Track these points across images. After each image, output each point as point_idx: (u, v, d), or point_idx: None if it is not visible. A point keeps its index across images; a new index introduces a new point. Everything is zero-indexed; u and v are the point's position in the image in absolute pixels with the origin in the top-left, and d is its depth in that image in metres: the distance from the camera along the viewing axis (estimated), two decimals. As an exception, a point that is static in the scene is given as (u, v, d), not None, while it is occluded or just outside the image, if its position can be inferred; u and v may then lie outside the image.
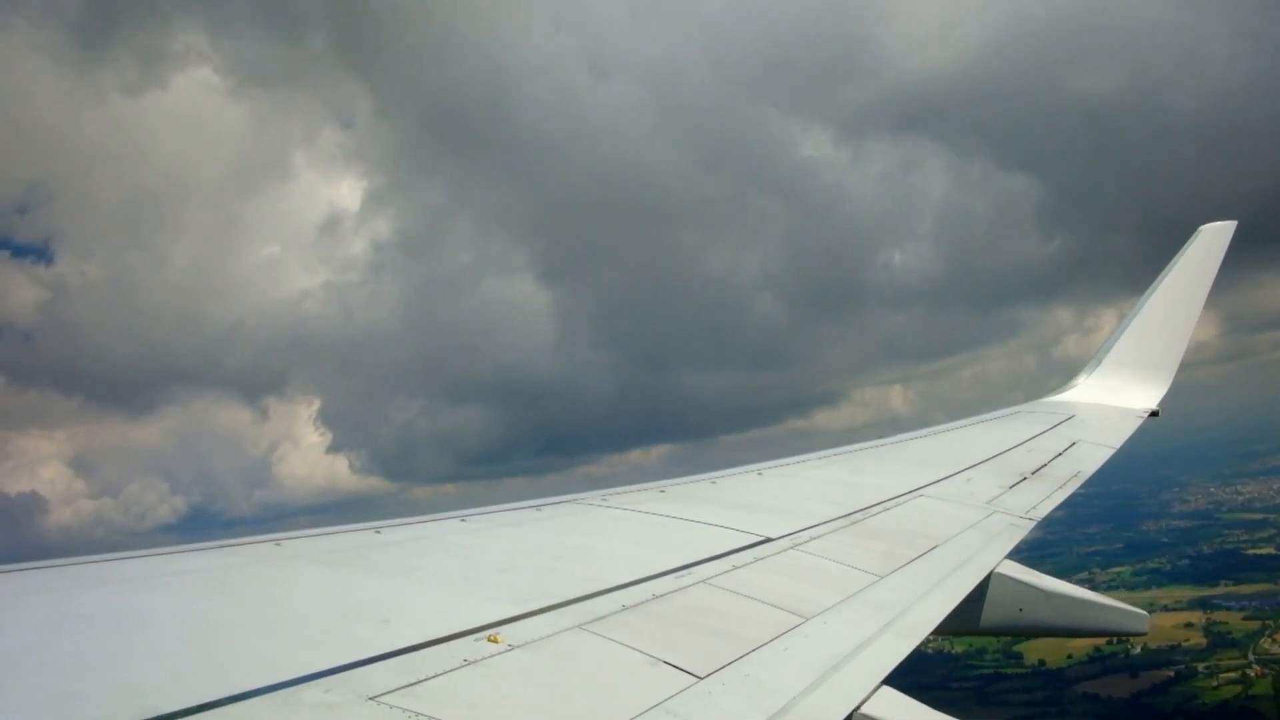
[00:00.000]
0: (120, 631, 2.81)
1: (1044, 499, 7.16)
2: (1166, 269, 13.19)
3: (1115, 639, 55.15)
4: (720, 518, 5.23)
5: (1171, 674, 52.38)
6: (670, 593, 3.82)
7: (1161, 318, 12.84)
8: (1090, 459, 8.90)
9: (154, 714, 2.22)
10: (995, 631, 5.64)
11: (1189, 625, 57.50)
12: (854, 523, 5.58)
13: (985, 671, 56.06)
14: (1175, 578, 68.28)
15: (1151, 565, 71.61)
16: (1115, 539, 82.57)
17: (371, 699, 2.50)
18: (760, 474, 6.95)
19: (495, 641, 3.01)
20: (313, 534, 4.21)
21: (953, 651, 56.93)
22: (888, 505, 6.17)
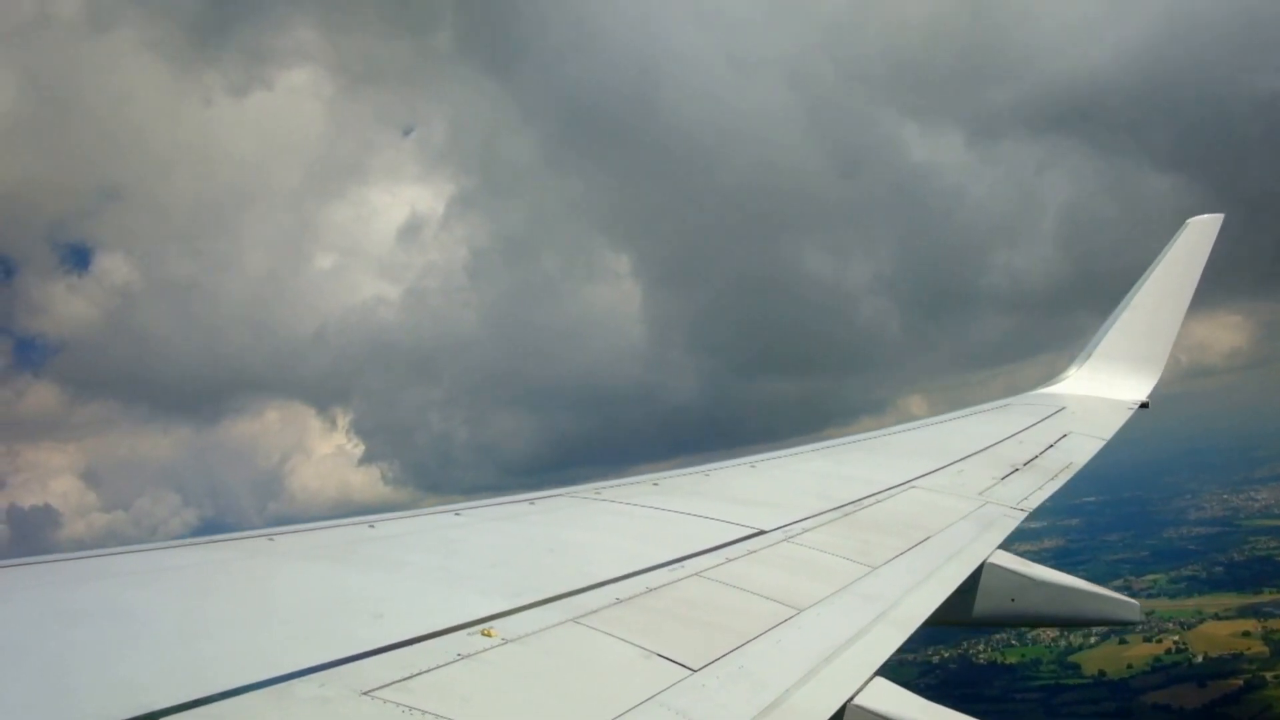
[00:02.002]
0: (113, 627, 2.80)
1: (1036, 490, 7.19)
2: (1155, 262, 13.26)
3: (1174, 648, 54.39)
4: (713, 510, 5.24)
5: (1240, 683, 51.61)
6: (663, 586, 3.82)
7: (1150, 310, 12.91)
8: (1082, 450, 8.94)
9: (147, 710, 2.22)
10: (988, 622, 5.66)
11: (1246, 634, 56.60)
12: (846, 515, 5.60)
13: (1045, 683, 55.43)
14: (1214, 585, 67.30)
15: (1186, 573, 70.74)
16: (1139, 547, 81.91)
17: (365, 693, 2.50)
18: (753, 467, 6.96)
19: (489, 635, 3.01)
20: (305, 529, 4.21)
21: (1006, 662, 56.81)
22: (880, 497, 6.18)
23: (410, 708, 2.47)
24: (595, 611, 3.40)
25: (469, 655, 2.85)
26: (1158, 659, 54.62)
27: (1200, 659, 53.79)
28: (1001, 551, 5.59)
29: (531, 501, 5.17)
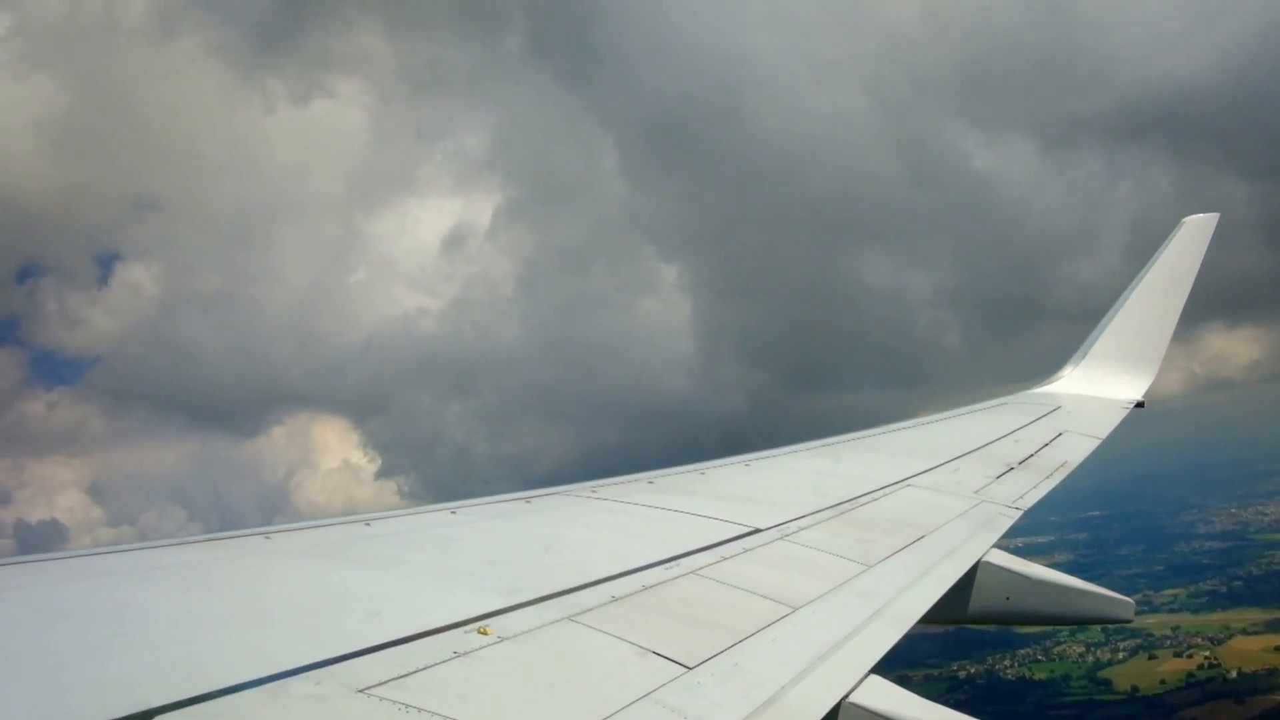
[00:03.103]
0: (108, 625, 2.80)
1: (1031, 488, 7.21)
2: (1151, 261, 13.29)
3: (1206, 663, 54.16)
4: (709, 509, 5.24)
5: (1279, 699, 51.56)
6: (659, 584, 3.82)
7: (1146, 310, 12.94)
8: (1077, 449, 8.96)
9: (142, 708, 2.22)
10: (983, 619, 5.68)
11: (1278, 649, 56.26)
12: (842, 513, 5.61)
13: (1077, 698, 55.30)
14: (1236, 600, 67.22)
15: (1206, 587, 70.62)
16: (1152, 561, 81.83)
17: (361, 691, 2.50)
18: (748, 465, 6.96)
19: (485, 633, 3.02)
20: (301, 527, 4.20)
21: (1034, 678, 56.67)
22: (875, 495, 6.19)
23: (406, 705, 2.47)
24: (591, 609, 3.40)
25: (465, 653, 2.86)
26: (1191, 675, 54.46)
27: (1235, 674, 53.56)
28: (997, 550, 5.61)
29: (528, 500, 5.17)
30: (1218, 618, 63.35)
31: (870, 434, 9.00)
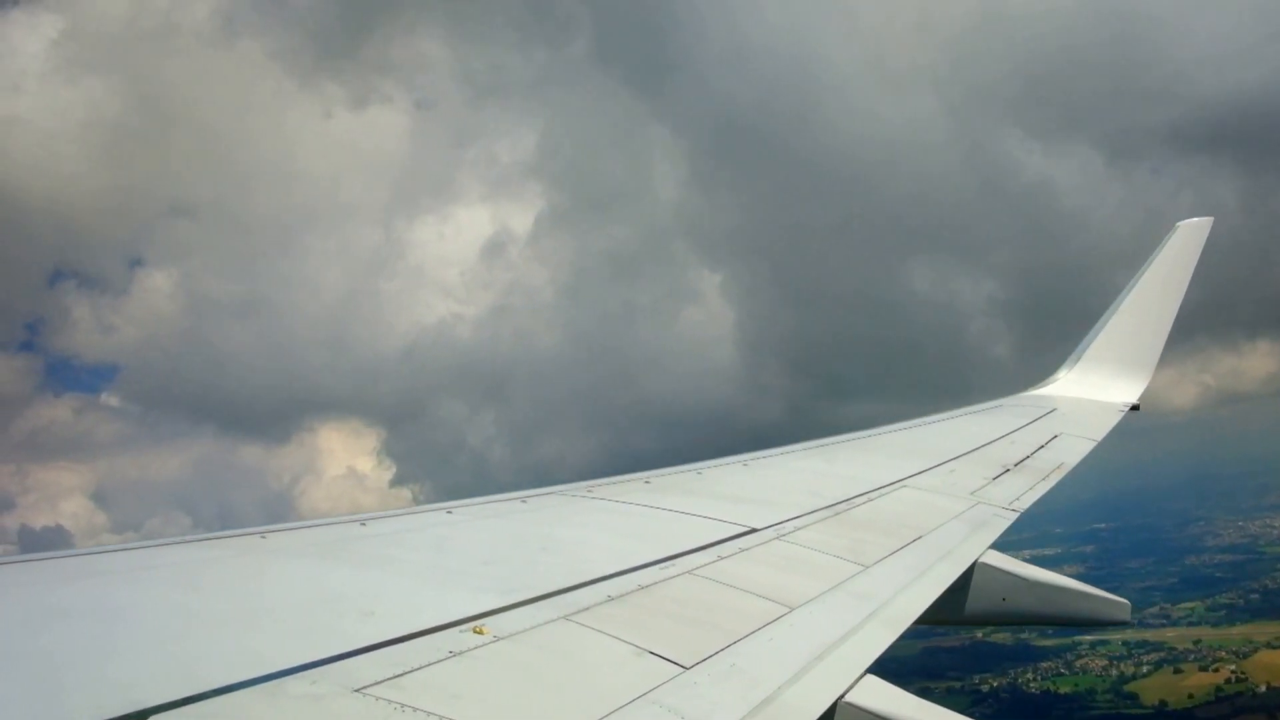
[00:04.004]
0: (104, 625, 2.79)
1: (1027, 490, 7.22)
2: (1145, 265, 13.34)
3: (1233, 677, 53.89)
4: (705, 509, 5.24)
5: (1312, 713, 51.13)
6: (655, 584, 3.82)
7: (1141, 313, 12.99)
8: (1072, 452, 8.98)
9: (138, 707, 2.21)
10: (979, 621, 5.68)
11: None
12: (838, 513, 5.61)
13: (1104, 712, 54.92)
14: (1255, 613, 66.70)
15: (1223, 600, 70.36)
16: (1164, 574, 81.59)
17: (357, 691, 2.50)
18: (745, 465, 6.96)
19: (481, 633, 3.01)
20: (297, 526, 4.20)
21: (1059, 691, 56.37)
22: (872, 496, 6.19)
23: (402, 705, 2.46)
24: (587, 609, 3.40)
25: (461, 653, 2.85)
26: (1219, 689, 54.09)
27: (1264, 688, 53.18)
28: (993, 551, 5.61)
29: (524, 499, 5.16)
30: (1239, 631, 63.05)
31: (867, 435, 9.01)
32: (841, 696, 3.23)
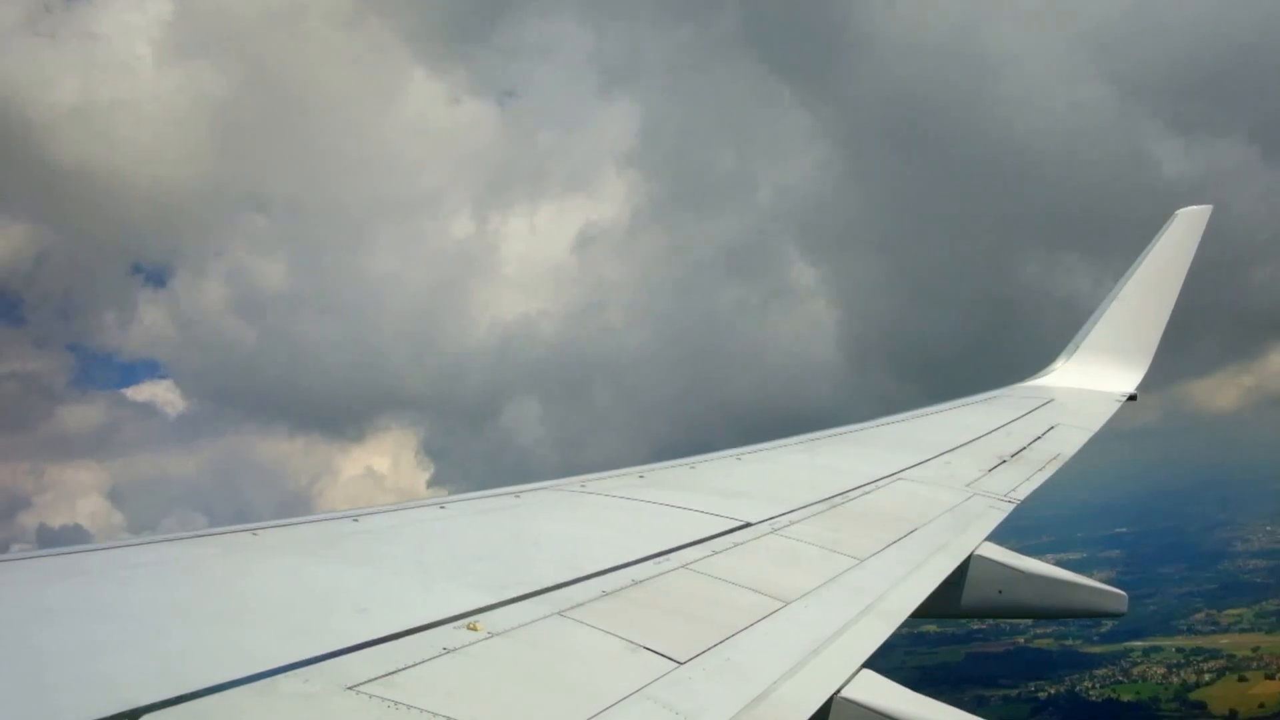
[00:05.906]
0: (95, 623, 2.78)
1: (1023, 481, 7.22)
2: (1143, 253, 13.31)
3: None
4: (699, 503, 5.23)
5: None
6: (650, 579, 3.81)
7: (1139, 302, 12.97)
8: (1069, 442, 8.98)
9: (129, 706, 2.19)
10: (975, 613, 5.68)
11: None
12: (833, 507, 5.60)
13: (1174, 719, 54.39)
14: None
15: (1271, 606, 69.10)
16: (1200, 580, 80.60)
17: (350, 689, 2.48)
18: (739, 459, 6.95)
19: (474, 629, 3.00)
20: (289, 523, 4.18)
21: (1120, 699, 55.86)
22: (867, 489, 6.19)
23: (395, 703, 2.45)
24: (581, 605, 3.39)
25: (454, 649, 2.84)
26: None
27: None
28: (989, 543, 5.60)
29: (517, 494, 5.15)
30: (1296, 638, 62.41)
31: (861, 428, 9.00)
32: (837, 691, 3.22)
